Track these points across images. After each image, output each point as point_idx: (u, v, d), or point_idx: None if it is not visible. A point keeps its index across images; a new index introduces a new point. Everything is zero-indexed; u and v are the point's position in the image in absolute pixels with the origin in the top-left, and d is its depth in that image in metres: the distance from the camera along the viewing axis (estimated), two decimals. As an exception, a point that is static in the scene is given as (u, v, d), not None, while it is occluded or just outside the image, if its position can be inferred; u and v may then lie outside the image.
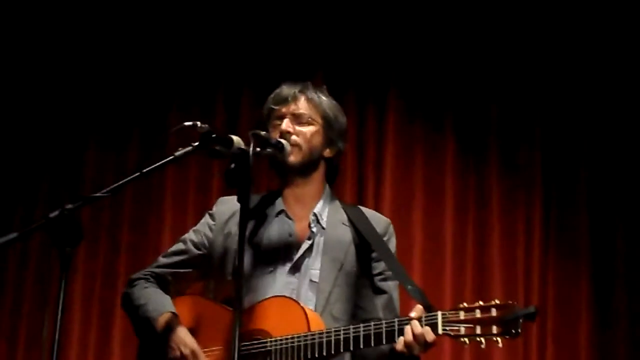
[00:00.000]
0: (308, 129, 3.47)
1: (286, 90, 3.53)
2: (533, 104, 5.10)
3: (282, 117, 3.48)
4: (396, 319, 3.15)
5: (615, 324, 4.85)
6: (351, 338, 3.16)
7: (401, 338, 3.11)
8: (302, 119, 3.48)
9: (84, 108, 5.48)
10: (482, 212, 5.04)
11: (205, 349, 3.36)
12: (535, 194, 5.02)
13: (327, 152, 3.54)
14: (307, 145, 3.46)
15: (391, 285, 3.50)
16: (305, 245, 3.45)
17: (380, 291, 3.49)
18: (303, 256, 3.44)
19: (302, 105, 3.50)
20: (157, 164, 3.07)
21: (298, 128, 3.46)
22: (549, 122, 5.08)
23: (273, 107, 3.51)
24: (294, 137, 3.43)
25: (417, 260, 4.94)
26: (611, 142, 5.02)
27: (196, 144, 3.06)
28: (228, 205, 3.55)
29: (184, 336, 3.36)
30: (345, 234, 3.50)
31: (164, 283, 3.56)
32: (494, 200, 5.04)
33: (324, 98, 3.55)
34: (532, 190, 5.03)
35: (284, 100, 3.50)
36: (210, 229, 3.57)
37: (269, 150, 3.28)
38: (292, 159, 3.45)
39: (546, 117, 5.09)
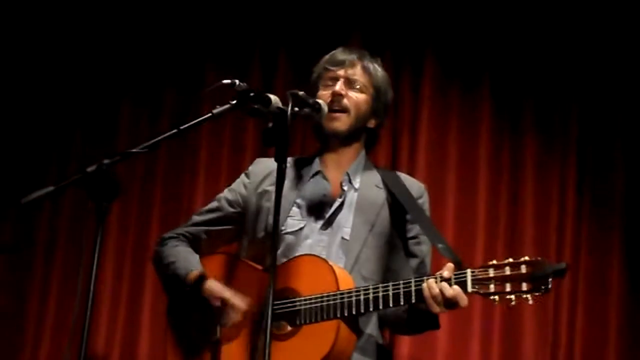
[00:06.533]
0: (359, 96, 3.52)
1: (343, 54, 3.57)
2: (571, 68, 5.04)
3: (335, 79, 3.53)
4: (413, 279, 3.16)
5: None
6: (380, 297, 3.17)
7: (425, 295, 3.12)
8: (355, 84, 3.53)
9: (119, 63, 5.47)
10: (516, 175, 5.01)
11: None
12: (570, 158, 4.97)
13: (371, 123, 3.60)
14: (355, 112, 3.51)
15: (424, 250, 3.53)
16: (336, 203, 3.46)
17: (413, 255, 3.53)
18: (335, 213, 3.47)
19: (357, 72, 3.54)
20: (195, 120, 3.09)
21: (350, 93, 3.50)
22: (586, 82, 5.02)
23: (328, 67, 3.55)
24: (345, 101, 3.49)
25: (450, 222, 4.93)
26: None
27: (234, 102, 3.07)
28: (264, 165, 3.58)
29: (211, 288, 3.39)
30: (379, 195, 3.52)
31: (196, 242, 3.60)
32: (528, 164, 5.00)
33: (378, 69, 3.60)
34: (567, 154, 4.98)
35: (341, 63, 3.54)
36: (245, 187, 3.60)
37: (306, 110, 3.27)
38: (339, 125, 3.50)
39: (584, 81, 5.02)
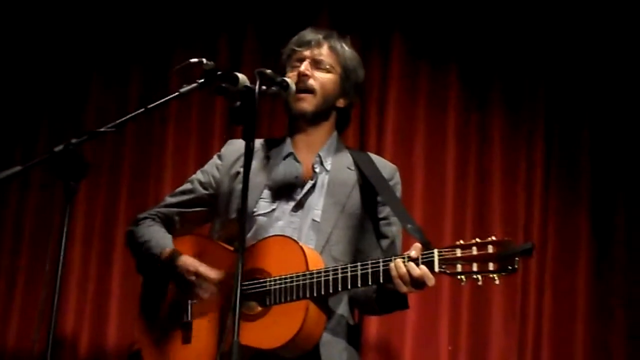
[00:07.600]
0: (326, 76, 3.52)
1: (310, 34, 3.59)
2: (538, 42, 5.05)
3: (302, 60, 3.55)
4: (380, 259, 3.19)
5: (613, 265, 4.84)
6: (349, 277, 3.20)
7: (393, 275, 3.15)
8: (321, 65, 3.55)
9: (87, 43, 5.43)
10: (484, 151, 5.02)
11: None
12: (537, 133, 4.99)
13: (340, 102, 3.61)
14: (322, 92, 3.52)
15: (394, 231, 3.56)
16: (308, 185, 3.47)
17: (383, 236, 3.56)
18: (306, 195, 3.49)
19: (324, 52, 3.56)
20: (162, 99, 3.09)
21: (316, 73, 3.52)
22: (553, 59, 5.03)
23: (295, 48, 3.57)
24: (310, 81, 3.50)
25: (418, 201, 4.93)
26: (616, 81, 4.97)
27: (201, 80, 3.07)
28: (237, 147, 3.60)
29: (185, 262, 3.40)
30: (350, 177, 3.53)
31: (170, 223, 3.61)
32: (496, 143, 5.02)
33: (346, 48, 3.61)
34: (535, 129, 5.00)
35: (307, 44, 3.56)
36: (218, 169, 3.60)
37: (273, 88, 3.28)
38: (305, 105, 3.51)
39: (551, 55, 5.03)
